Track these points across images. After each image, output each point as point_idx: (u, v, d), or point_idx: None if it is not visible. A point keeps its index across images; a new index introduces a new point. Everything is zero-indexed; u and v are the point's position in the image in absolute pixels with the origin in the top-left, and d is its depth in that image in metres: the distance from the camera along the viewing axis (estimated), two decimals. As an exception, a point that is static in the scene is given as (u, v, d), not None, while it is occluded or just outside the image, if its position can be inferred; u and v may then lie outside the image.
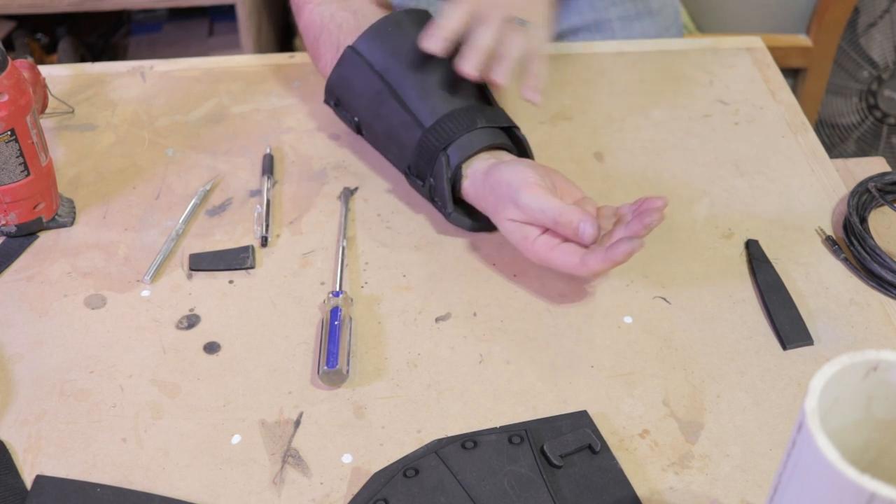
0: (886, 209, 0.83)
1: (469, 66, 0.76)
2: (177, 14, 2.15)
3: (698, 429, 0.66)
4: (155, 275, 0.76)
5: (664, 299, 0.75)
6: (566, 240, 0.71)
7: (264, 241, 0.79)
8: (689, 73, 0.99)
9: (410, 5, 0.96)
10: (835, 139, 1.85)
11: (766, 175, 0.87)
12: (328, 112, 0.93)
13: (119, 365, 0.70)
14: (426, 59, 0.79)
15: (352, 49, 0.82)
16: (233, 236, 0.80)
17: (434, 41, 0.77)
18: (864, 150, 1.85)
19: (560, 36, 1.08)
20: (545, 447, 0.63)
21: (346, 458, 0.64)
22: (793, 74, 1.68)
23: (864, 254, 0.77)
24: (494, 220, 0.75)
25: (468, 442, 0.63)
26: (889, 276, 0.75)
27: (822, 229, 0.81)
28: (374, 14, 0.86)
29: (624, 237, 0.69)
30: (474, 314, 0.74)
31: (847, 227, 0.80)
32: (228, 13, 1.95)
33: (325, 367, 0.67)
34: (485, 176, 0.75)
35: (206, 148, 0.90)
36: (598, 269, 0.69)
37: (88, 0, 1.81)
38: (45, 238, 0.80)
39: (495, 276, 0.77)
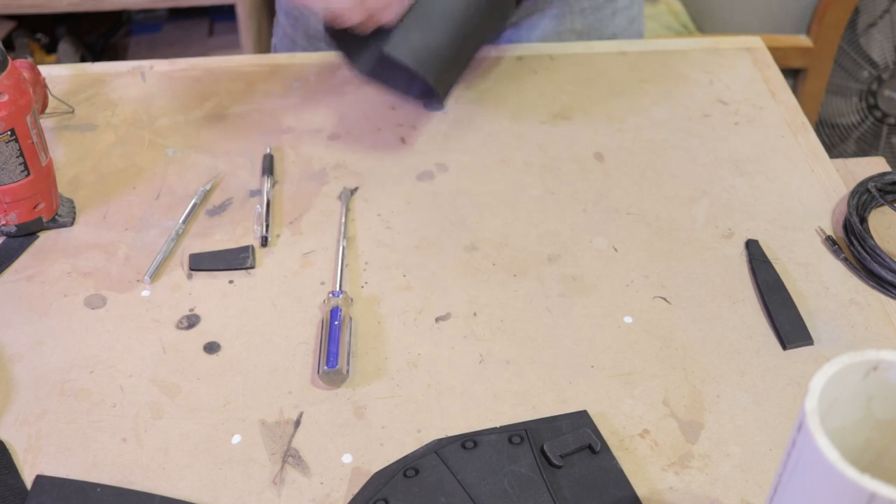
0: (886, 209, 0.83)
1: None
2: (177, 14, 2.15)
3: (698, 429, 0.66)
4: (155, 275, 0.76)
5: (664, 299, 0.75)
6: None
7: (264, 241, 0.79)
8: (689, 73, 1.00)
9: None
10: (835, 139, 1.86)
11: (766, 175, 0.87)
12: (328, 112, 0.93)
13: (119, 365, 0.70)
14: None
15: None
16: (233, 236, 0.80)
17: None
18: (864, 150, 1.85)
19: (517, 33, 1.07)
20: (545, 447, 0.63)
21: (346, 458, 0.64)
22: (793, 74, 1.68)
23: (864, 254, 0.77)
24: None
25: (468, 442, 0.64)
26: (889, 276, 0.75)
27: (822, 229, 0.81)
28: None
29: None
30: (474, 314, 0.74)
31: (847, 227, 0.80)
32: (228, 13, 1.96)
33: (325, 367, 0.67)
34: None
35: (206, 148, 0.90)
36: None
37: (88, 0, 1.82)
38: (45, 238, 0.80)
39: (495, 276, 0.77)
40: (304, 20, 1.06)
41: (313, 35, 1.06)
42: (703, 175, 0.87)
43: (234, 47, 1.99)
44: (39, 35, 2.02)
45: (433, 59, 0.84)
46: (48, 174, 0.79)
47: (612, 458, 0.63)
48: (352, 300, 0.74)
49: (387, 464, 0.63)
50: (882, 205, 0.82)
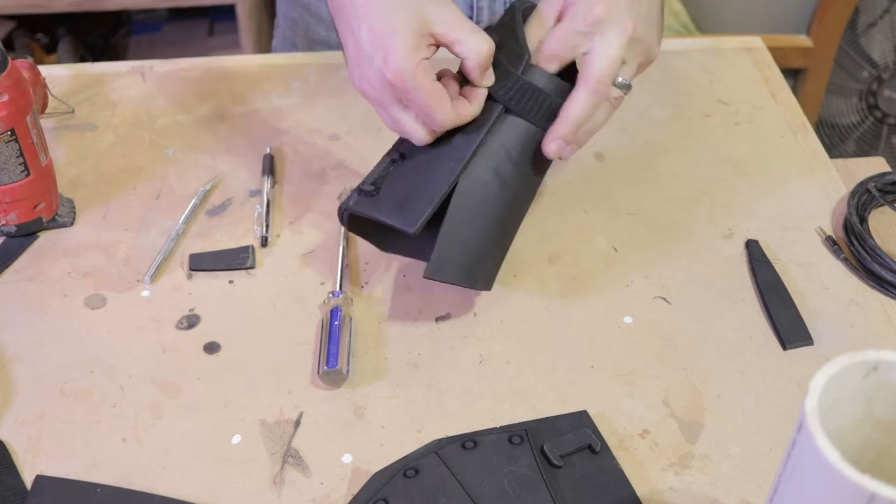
0: (886, 209, 0.83)
1: (554, 148, 0.70)
2: (177, 14, 2.15)
3: (698, 429, 0.66)
4: (155, 275, 0.76)
5: (664, 299, 0.75)
6: None
7: (264, 241, 0.79)
8: (689, 73, 0.99)
9: None
10: (835, 139, 1.86)
11: (766, 175, 0.87)
12: (328, 112, 0.93)
13: (119, 365, 0.70)
14: None
15: None
16: (233, 236, 0.80)
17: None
18: (864, 150, 1.85)
19: None
20: (545, 447, 0.63)
21: (346, 458, 0.64)
22: (793, 74, 1.68)
23: (864, 254, 0.77)
24: None
25: (468, 442, 0.63)
26: (889, 276, 0.75)
27: (822, 229, 0.81)
28: None
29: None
30: (474, 314, 0.74)
31: (847, 227, 0.80)
32: (228, 13, 1.95)
33: (325, 367, 0.67)
34: None
35: (206, 148, 0.90)
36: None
37: (88, 0, 1.82)
38: (45, 238, 0.80)
39: (495, 276, 0.77)
40: (304, 23, 1.06)
41: (312, 38, 1.06)
42: (703, 175, 0.87)
43: (234, 47, 1.99)
44: (39, 35, 2.02)
45: (479, 265, 0.72)
46: (48, 174, 0.79)
47: (612, 458, 0.63)
48: (352, 300, 0.74)
49: (387, 464, 0.63)
50: (882, 205, 0.82)
